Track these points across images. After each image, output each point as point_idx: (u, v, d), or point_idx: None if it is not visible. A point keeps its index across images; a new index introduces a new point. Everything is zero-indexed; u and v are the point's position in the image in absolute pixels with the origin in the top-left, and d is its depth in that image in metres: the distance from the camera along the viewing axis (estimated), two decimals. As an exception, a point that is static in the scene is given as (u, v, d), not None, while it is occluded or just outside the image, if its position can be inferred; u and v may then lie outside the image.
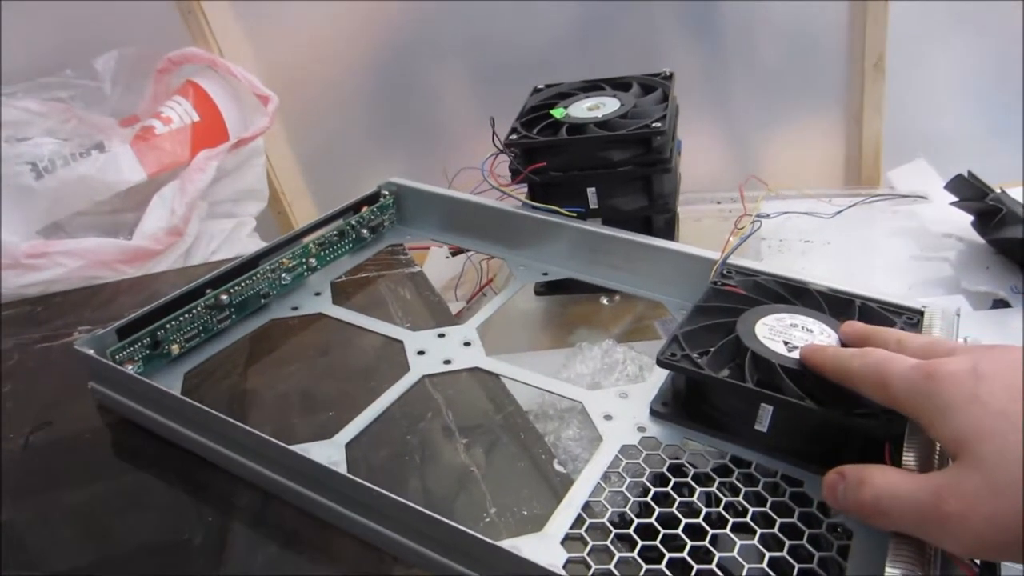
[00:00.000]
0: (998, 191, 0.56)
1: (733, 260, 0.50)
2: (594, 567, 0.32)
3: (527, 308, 0.65)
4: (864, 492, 0.30)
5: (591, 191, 0.56)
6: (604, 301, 0.63)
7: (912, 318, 0.44)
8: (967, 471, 0.27)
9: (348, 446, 0.40)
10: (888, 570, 0.29)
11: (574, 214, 0.55)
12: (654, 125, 0.54)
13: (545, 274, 0.57)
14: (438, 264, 0.76)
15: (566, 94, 0.63)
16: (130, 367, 0.45)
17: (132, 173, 0.70)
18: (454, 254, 0.78)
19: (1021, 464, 0.26)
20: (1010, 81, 0.87)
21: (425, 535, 0.33)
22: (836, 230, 0.66)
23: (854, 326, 0.39)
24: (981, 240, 0.58)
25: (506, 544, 0.31)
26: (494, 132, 0.56)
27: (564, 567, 0.32)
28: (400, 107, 1.02)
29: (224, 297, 0.50)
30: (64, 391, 0.49)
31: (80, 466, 0.43)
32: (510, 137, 0.57)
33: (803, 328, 0.42)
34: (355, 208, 0.61)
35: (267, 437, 0.36)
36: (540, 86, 0.66)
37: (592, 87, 0.63)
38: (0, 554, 0.38)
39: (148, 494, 0.41)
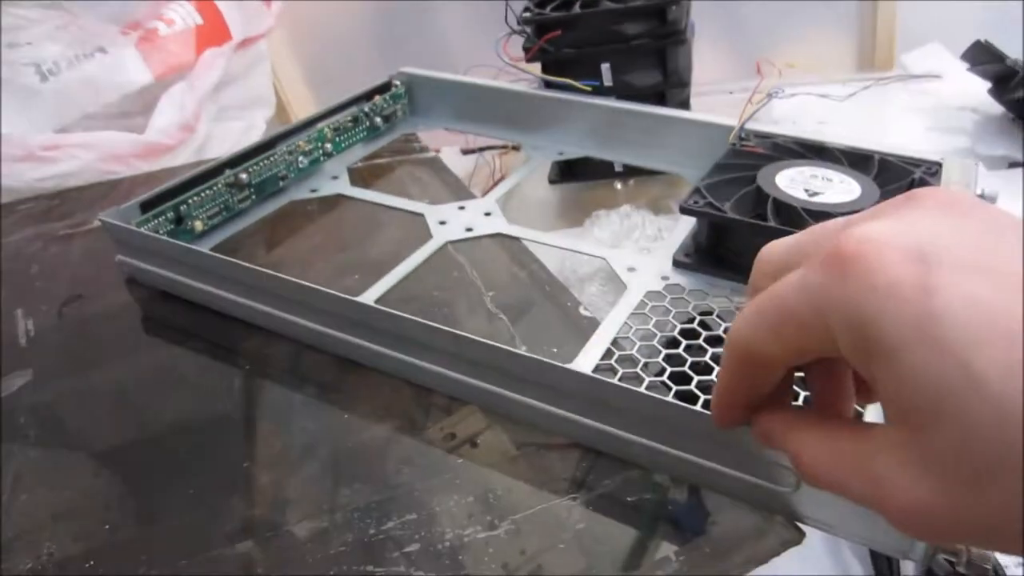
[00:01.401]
0: (1015, 57, 0.56)
1: (751, 125, 0.50)
2: (626, 388, 0.33)
3: (542, 196, 0.66)
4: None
5: (605, 67, 0.56)
6: (618, 186, 0.64)
7: (931, 168, 0.44)
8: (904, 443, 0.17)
9: (377, 303, 0.41)
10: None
11: (589, 88, 0.55)
12: (669, -4, 0.54)
13: (561, 153, 0.57)
14: (450, 162, 0.76)
15: (578, -25, 0.62)
16: (161, 236, 0.45)
17: (138, 74, 0.69)
18: (465, 153, 0.78)
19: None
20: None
21: (462, 359, 0.34)
22: (850, 112, 0.66)
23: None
24: (997, 110, 0.58)
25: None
26: (508, 7, 0.56)
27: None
28: (405, 21, 1.00)
29: (243, 176, 0.50)
30: (91, 272, 0.49)
31: (113, 342, 0.44)
32: (523, 14, 0.56)
33: (823, 179, 0.42)
34: (367, 97, 0.60)
35: (303, 282, 0.37)
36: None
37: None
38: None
39: (183, 364, 0.41)
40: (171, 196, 0.47)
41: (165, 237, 0.44)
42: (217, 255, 0.40)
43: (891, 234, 0.17)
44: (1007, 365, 0.14)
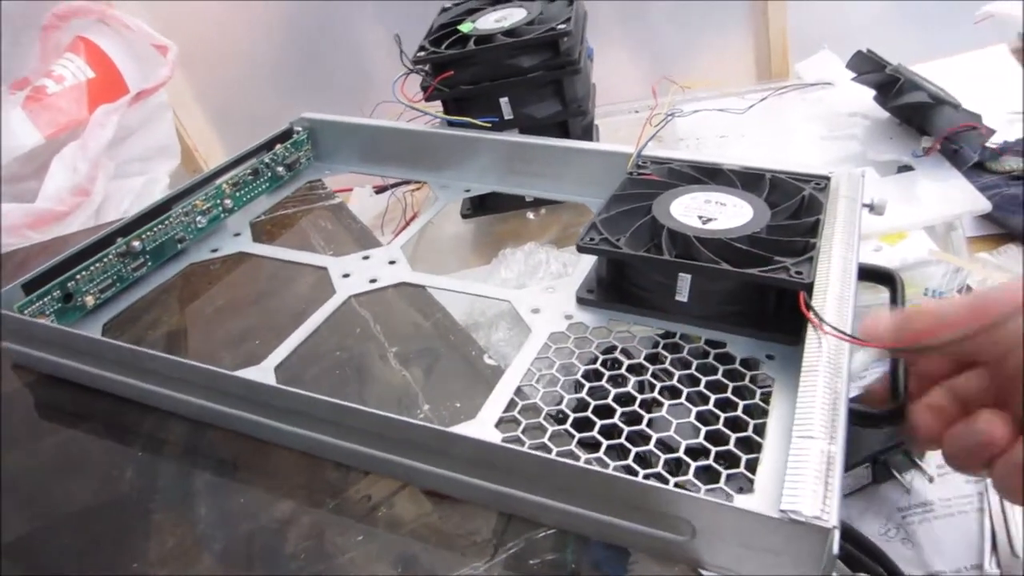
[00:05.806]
0: (896, 64, 0.57)
1: (649, 152, 0.50)
2: (528, 443, 0.33)
3: (455, 232, 0.65)
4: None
5: (504, 101, 0.56)
6: (531, 216, 0.64)
7: (820, 184, 0.45)
8: None
9: (277, 369, 0.40)
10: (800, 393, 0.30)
11: (488, 124, 0.55)
12: (560, 27, 0.54)
13: (467, 191, 0.57)
14: (363, 202, 0.75)
15: (474, 9, 0.62)
16: (43, 322, 0.43)
17: (26, 136, 0.66)
18: (378, 191, 0.78)
19: None
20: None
21: (362, 432, 0.33)
22: (750, 123, 0.67)
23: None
24: (884, 115, 0.60)
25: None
26: (401, 50, 0.55)
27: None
28: (312, 52, 0.99)
29: (136, 244, 0.48)
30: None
31: (3, 431, 0.42)
32: (418, 54, 0.56)
33: (717, 203, 0.42)
34: (268, 146, 0.59)
35: (196, 363, 0.35)
36: (447, 5, 0.65)
37: (499, 0, 0.62)
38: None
39: (77, 449, 0.39)
40: (57, 273, 0.45)
41: (48, 322, 0.42)
42: (102, 339, 0.39)
43: None
44: None
